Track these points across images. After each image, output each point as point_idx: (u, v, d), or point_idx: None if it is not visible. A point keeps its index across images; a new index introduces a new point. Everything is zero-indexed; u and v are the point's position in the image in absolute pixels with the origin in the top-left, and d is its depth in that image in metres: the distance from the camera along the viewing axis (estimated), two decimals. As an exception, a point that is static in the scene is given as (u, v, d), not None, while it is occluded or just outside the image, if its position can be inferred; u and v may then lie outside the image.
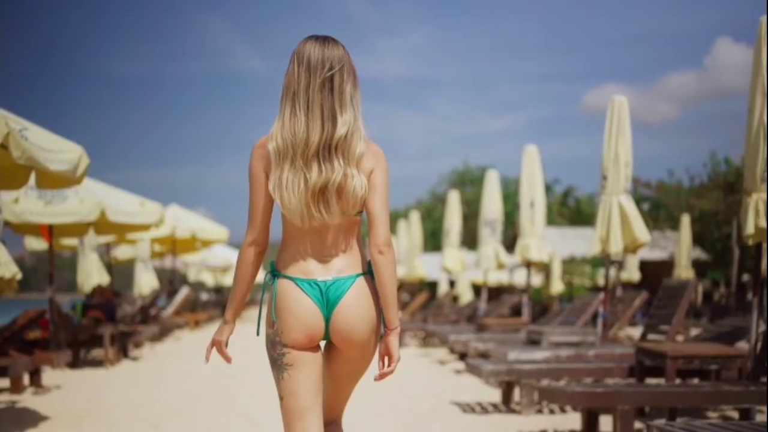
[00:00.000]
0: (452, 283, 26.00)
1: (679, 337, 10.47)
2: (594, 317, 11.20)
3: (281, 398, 2.87)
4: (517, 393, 7.78)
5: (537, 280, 24.98)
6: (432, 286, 29.66)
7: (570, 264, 28.14)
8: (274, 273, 2.85)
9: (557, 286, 21.96)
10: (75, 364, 11.35)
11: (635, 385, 6.05)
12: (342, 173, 2.71)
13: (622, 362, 7.33)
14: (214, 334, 2.96)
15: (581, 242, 29.22)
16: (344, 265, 2.80)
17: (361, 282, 2.81)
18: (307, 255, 2.80)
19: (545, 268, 22.69)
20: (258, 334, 2.90)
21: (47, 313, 10.45)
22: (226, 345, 2.96)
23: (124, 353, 12.79)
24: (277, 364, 2.84)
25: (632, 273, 22.52)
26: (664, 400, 5.66)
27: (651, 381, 7.10)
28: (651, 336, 8.35)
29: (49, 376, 10.23)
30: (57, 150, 6.11)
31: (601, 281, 26.89)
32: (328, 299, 2.78)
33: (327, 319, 2.79)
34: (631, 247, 9.24)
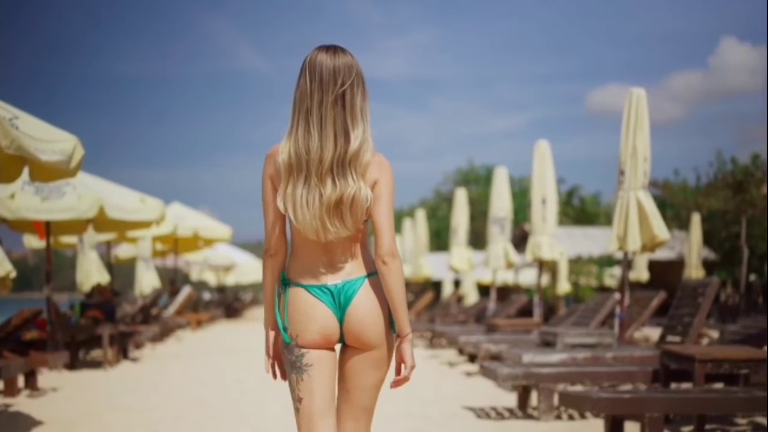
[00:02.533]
0: (456, 283, 25.66)
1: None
2: (606, 318, 10.84)
3: (299, 400, 2.86)
4: (533, 397, 7.41)
5: (543, 279, 24.61)
6: (436, 285, 29.34)
7: (577, 264, 27.80)
8: (285, 282, 2.90)
9: (564, 286, 21.60)
10: (73, 365, 11.01)
11: (664, 391, 5.70)
12: (356, 187, 2.76)
13: (645, 365, 6.97)
14: (266, 350, 2.98)
15: (588, 241, 28.88)
16: (352, 268, 2.85)
17: (371, 282, 2.85)
18: (316, 263, 2.85)
19: (552, 268, 22.33)
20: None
21: (44, 313, 10.11)
22: (272, 354, 2.98)
23: (123, 354, 12.45)
24: (296, 366, 2.86)
25: (641, 273, 22.16)
26: (696, 406, 5.31)
27: (672, 385, 6.75)
28: (670, 338, 8.02)
29: (45, 377, 9.91)
30: (49, 140, 5.76)
31: (607, 281, 26.53)
32: (340, 302, 2.83)
33: (341, 321, 2.84)
34: (650, 245, 8.89)
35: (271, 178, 2.83)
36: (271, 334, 2.95)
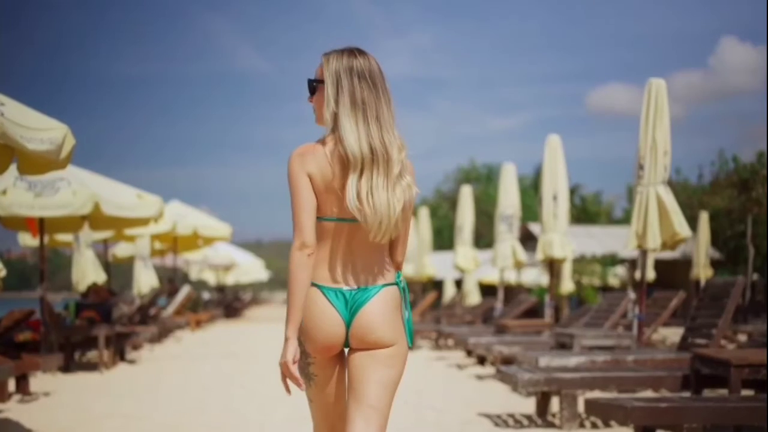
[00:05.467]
0: (458, 283, 25.26)
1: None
2: (619, 318, 10.44)
3: (310, 401, 2.92)
4: (554, 404, 6.99)
5: (546, 279, 24.26)
6: (437, 285, 28.97)
7: (580, 263, 27.44)
8: None
9: (567, 286, 21.19)
10: (68, 367, 10.60)
11: (701, 399, 5.30)
12: (413, 185, 2.81)
13: (671, 370, 6.57)
14: (280, 358, 2.76)
15: (591, 240, 28.50)
16: (371, 276, 2.82)
17: (386, 291, 2.82)
18: (336, 262, 2.81)
19: (556, 267, 21.89)
20: None
21: (36, 314, 9.69)
22: (294, 363, 2.75)
23: (120, 356, 12.04)
24: (305, 373, 2.86)
25: (647, 272, 21.72)
26: (738, 416, 4.91)
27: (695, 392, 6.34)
28: (692, 340, 7.64)
29: (38, 381, 9.50)
30: (37, 128, 5.33)
31: (611, 281, 26.14)
32: (351, 307, 2.79)
33: (348, 325, 2.80)
34: (670, 243, 8.51)
35: (310, 176, 2.76)
36: (294, 343, 2.74)
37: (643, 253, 8.87)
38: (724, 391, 6.45)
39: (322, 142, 2.80)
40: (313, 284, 2.79)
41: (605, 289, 24.75)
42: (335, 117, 2.76)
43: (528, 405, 7.35)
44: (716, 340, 7.32)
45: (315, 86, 2.85)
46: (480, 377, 9.76)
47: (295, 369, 2.73)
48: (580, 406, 6.35)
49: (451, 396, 8.19)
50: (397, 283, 2.85)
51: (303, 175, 2.75)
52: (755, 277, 23.92)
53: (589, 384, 6.23)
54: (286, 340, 2.73)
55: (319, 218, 2.77)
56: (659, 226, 8.41)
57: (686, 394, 6.48)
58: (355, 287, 2.79)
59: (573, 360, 7.30)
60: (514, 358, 9.28)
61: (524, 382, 6.19)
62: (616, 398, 5.38)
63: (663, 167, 8.51)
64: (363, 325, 2.77)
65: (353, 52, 2.83)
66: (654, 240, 8.38)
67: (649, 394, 7.24)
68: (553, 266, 12.69)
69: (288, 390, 2.80)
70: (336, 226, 2.77)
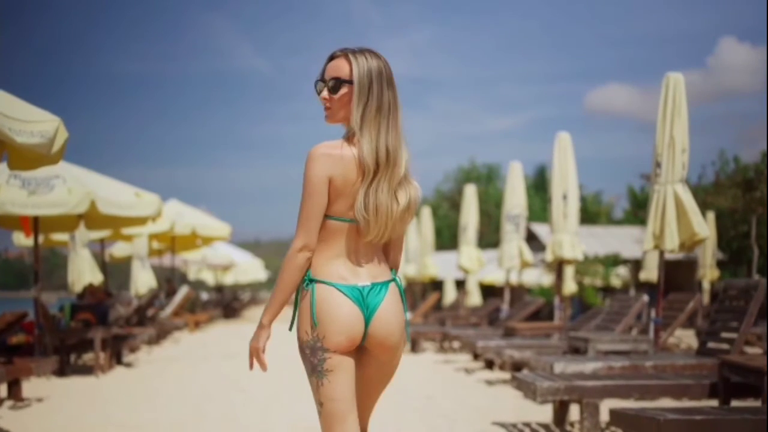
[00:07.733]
0: (458, 284, 24.93)
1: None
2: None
3: (321, 404, 2.85)
4: (573, 412, 6.65)
5: (546, 279, 24.00)
6: (436, 285, 28.63)
7: (582, 264, 27.14)
8: (312, 278, 2.83)
9: (570, 287, 20.90)
10: (62, 371, 10.26)
11: (736, 411, 4.96)
12: (416, 189, 2.85)
13: (699, 378, 6.24)
14: (251, 341, 2.85)
15: (593, 240, 28.23)
16: (378, 272, 2.86)
17: (392, 289, 2.87)
18: (342, 260, 2.83)
19: (557, 268, 21.58)
20: (290, 329, 2.89)
21: (29, 316, 9.36)
22: (264, 351, 2.86)
23: (117, 359, 11.70)
24: (317, 371, 2.82)
25: (651, 272, 21.46)
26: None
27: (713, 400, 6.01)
28: (711, 344, 7.34)
29: (32, 385, 9.16)
30: (27, 120, 4.99)
31: (613, 282, 25.85)
32: (367, 304, 2.80)
33: (366, 324, 2.81)
34: (689, 243, 8.19)
35: (331, 179, 2.75)
36: (269, 332, 2.85)
37: (660, 254, 8.55)
38: (749, 399, 6.16)
39: (348, 141, 2.78)
40: (327, 282, 2.79)
41: (607, 289, 24.47)
42: (360, 122, 2.76)
43: (543, 413, 7.03)
44: (738, 346, 7.01)
45: (338, 85, 2.78)
46: (489, 382, 9.43)
47: (263, 355, 2.84)
48: (601, 415, 6.03)
49: (462, 403, 7.85)
50: (394, 279, 2.90)
51: (324, 177, 2.74)
52: (757, 277, 23.71)
53: (611, 392, 5.90)
54: (262, 327, 2.82)
55: (334, 218, 2.78)
56: (677, 226, 8.10)
57: (713, 403, 6.18)
58: (368, 283, 2.82)
59: (589, 366, 6.97)
60: (526, 363, 8.97)
61: (543, 390, 5.85)
62: (644, 409, 5.05)
63: (681, 165, 8.20)
64: (381, 325, 2.81)
65: (376, 54, 2.81)
66: (672, 241, 8.07)
67: (667, 401, 6.94)
68: (561, 267, 12.35)
69: (252, 367, 2.90)
70: (346, 226, 2.79)
